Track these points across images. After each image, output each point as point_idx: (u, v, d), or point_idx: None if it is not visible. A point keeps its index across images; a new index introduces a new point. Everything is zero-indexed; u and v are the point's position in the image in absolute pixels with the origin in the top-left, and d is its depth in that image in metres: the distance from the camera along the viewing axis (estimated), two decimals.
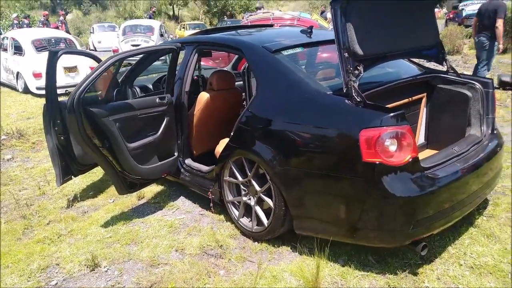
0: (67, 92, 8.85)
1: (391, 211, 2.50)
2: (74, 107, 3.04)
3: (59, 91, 3.73)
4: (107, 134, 3.24)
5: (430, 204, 2.55)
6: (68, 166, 3.76)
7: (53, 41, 10.68)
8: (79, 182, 4.44)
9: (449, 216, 2.67)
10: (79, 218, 3.71)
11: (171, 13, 39.53)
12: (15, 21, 17.53)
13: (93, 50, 19.65)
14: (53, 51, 3.51)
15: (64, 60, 9.32)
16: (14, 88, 10.54)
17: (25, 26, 16.57)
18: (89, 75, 3.17)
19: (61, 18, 19.76)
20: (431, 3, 3.26)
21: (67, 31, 18.99)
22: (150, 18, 17.28)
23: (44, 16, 18.50)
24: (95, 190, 4.30)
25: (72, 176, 3.90)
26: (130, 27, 17.22)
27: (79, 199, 4.06)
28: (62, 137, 3.60)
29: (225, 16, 30.96)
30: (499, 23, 6.96)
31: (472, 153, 2.94)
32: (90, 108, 3.15)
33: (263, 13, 11.44)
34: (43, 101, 3.71)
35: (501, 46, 7.29)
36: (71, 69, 9.82)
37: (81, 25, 31.93)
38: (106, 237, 3.34)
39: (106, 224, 3.54)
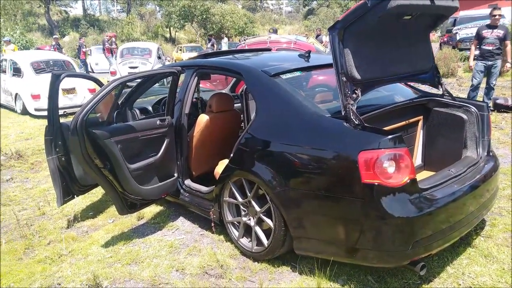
0: (65, 113, 8.89)
1: (390, 231, 2.53)
2: (77, 129, 3.08)
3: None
4: (108, 155, 3.29)
5: (428, 225, 2.59)
6: (68, 186, 3.79)
7: (51, 63, 10.78)
8: (79, 203, 4.45)
9: (447, 237, 2.71)
10: (79, 238, 3.73)
11: (167, 35, 40.02)
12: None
13: (90, 72, 19.73)
14: (55, 74, 3.58)
15: (63, 82, 9.33)
16: (12, 110, 10.58)
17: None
18: (92, 98, 3.22)
19: (113, 39, 19.84)
20: (426, 29, 3.35)
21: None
22: (210, 41, 16.69)
23: (55, 40, 19.01)
24: (94, 210, 4.31)
25: (75, 196, 3.93)
26: (128, 49, 17.29)
27: (79, 219, 4.06)
28: (63, 158, 3.65)
29: (222, 37, 31.17)
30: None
31: (469, 175, 2.99)
32: (93, 130, 3.20)
33: (259, 36, 11.60)
34: (41, 122, 3.77)
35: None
36: (69, 91, 9.87)
37: None
38: (106, 257, 3.35)
39: (107, 244, 3.55)
